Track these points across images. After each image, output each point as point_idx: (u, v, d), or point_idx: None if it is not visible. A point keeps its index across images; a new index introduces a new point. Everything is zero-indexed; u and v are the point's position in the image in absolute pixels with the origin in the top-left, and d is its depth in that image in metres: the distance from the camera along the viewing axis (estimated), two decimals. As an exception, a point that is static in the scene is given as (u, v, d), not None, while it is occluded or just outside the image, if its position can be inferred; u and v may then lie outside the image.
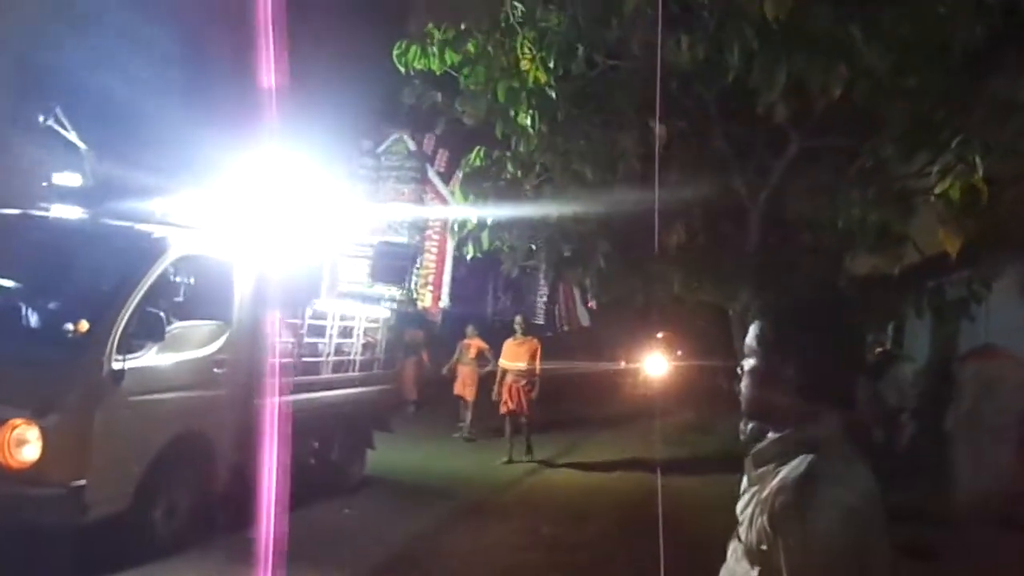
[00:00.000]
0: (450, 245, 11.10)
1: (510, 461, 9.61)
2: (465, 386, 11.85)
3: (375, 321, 7.98)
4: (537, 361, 9.91)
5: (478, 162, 5.01)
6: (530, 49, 4.55)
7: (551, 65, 4.47)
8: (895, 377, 8.46)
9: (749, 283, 5.65)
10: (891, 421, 8.36)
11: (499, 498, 7.97)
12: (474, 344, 11.99)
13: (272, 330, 5.96)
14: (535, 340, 10.16)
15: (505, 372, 10.01)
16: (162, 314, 4.79)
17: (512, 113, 4.83)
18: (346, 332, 7.49)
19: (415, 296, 10.66)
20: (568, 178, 5.45)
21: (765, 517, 1.38)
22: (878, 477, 1.41)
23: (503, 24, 4.65)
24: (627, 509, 7.13)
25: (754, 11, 3.88)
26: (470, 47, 4.77)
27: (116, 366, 4.54)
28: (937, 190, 4.24)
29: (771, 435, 1.51)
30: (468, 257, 5.68)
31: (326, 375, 7.02)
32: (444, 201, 12.00)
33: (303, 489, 5.68)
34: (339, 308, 7.23)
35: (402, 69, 4.82)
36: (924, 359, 9.60)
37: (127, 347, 4.62)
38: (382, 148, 12.67)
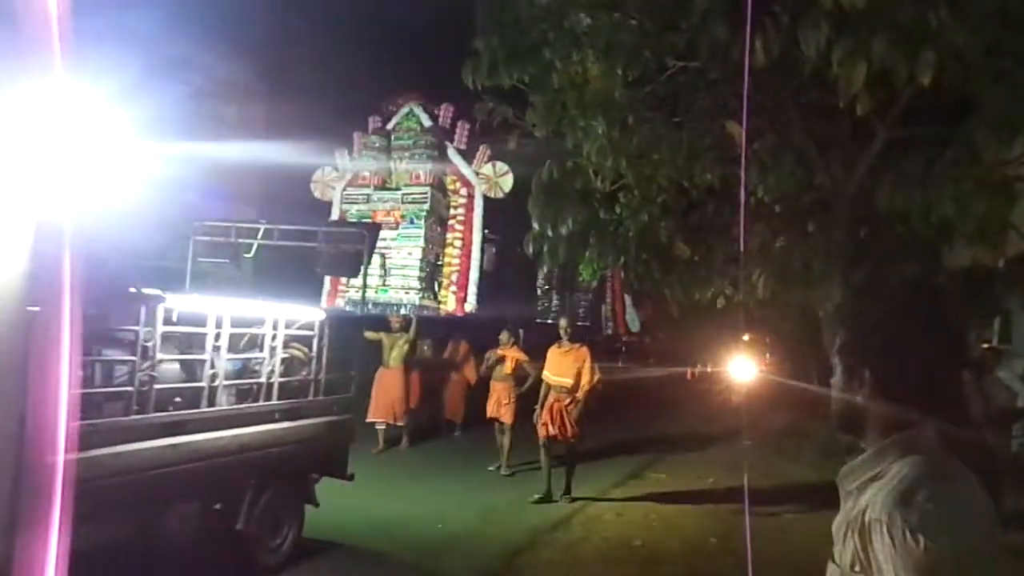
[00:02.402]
0: (476, 237, 10.25)
1: (546, 499, 7.66)
2: (500, 406, 9.47)
3: (308, 327, 5.72)
4: (587, 374, 7.73)
5: (549, 176, 5.01)
6: (597, 58, 4.53)
7: (619, 72, 4.44)
8: (1004, 375, 7.96)
9: (839, 282, 5.44)
10: (1001, 422, 7.87)
11: (528, 558, 5.90)
12: (510, 354, 9.62)
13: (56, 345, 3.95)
14: (584, 348, 7.91)
15: (548, 388, 7.93)
16: None
17: (582, 122, 4.81)
18: (254, 344, 5.43)
19: (436, 298, 9.99)
20: (643, 183, 5.39)
21: (857, 536, 1.29)
22: (988, 483, 1.31)
23: (569, 36, 4.65)
24: (715, 560, 5.96)
25: (829, 1, 3.75)
26: (537, 61, 4.79)
27: None
28: (1041, 175, 3.98)
29: (865, 446, 1.43)
30: (545, 270, 5.67)
31: (207, 408, 4.73)
32: (468, 184, 10.53)
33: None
34: (226, 309, 4.90)
35: (470, 85, 4.88)
36: (1036, 354, 9.00)
37: None
38: (392, 123, 11.02)
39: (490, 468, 9.38)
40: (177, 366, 4.74)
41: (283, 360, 5.40)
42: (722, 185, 5.49)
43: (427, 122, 10.61)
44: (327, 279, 11.18)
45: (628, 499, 8.08)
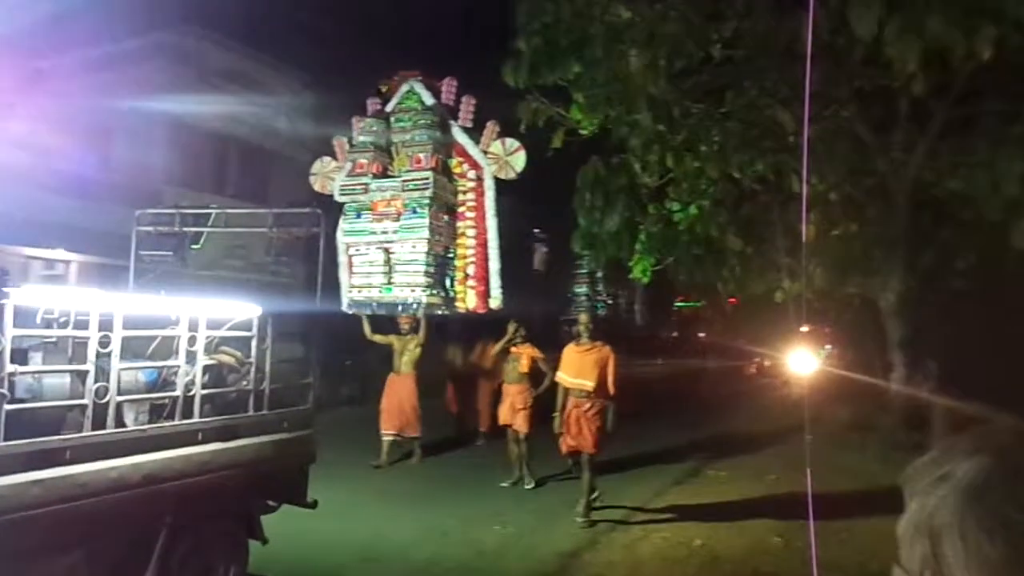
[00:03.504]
0: (492, 223, 8.99)
1: (589, 521, 6.70)
2: (515, 412, 8.54)
3: (243, 327, 4.80)
4: (611, 377, 6.77)
5: (594, 172, 4.96)
6: (639, 52, 4.46)
7: (661, 64, 4.37)
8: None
9: (900, 270, 5.25)
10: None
11: (587, 559, 5.75)
12: (524, 352, 8.78)
13: None
14: (607, 347, 6.91)
15: (566, 393, 6.97)
16: None
17: (627, 117, 4.75)
18: (166, 350, 4.48)
19: (453, 296, 8.93)
20: (691, 176, 5.30)
21: (927, 540, 1.22)
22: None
23: (610, 30, 4.59)
24: (778, 559, 5.65)
25: (880, -21, 3.61)
26: (579, 59, 4.74)
27: None
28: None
29: (932, 443, 1.35)
30: (591, 268, 5.60)
31: (93, 432, 3.76)
32: (476, 166, 9.08)
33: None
34: (118, 306, 3.97)
35: (512, 85, 4.86)
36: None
37: None
38: (391, 105, 9.85)
39: (503, 484, 8.28)
40: (67, 380, 3.84)
41: (207, 368, 4.47)
42: (774, 175, 5.36)
43: (429, 100, 9.54)
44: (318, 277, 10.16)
45: (687, 497, 7.95)
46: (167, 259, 6.87)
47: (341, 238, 9.66)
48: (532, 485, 8.28)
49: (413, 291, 8.91)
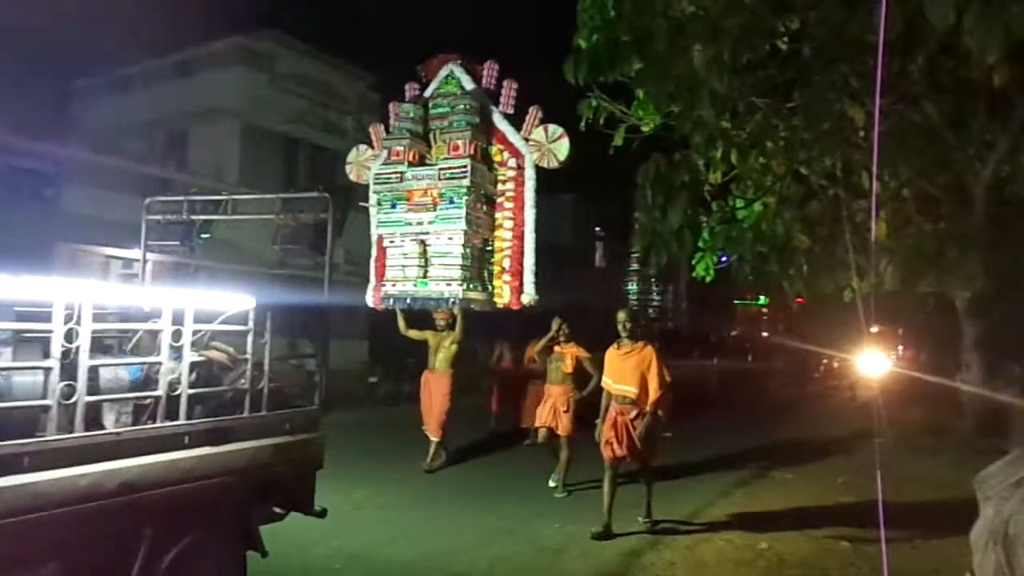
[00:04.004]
0: (530, 215, 8.53)
1: (605, 534, 6.16)
2: (558, 414, 8.07)
3: (237, 320, 4.52)
4: (654, 380, 6.29)
5: (656, 169, 4.91)
6: (703, 46, 4.40)
7: (726, 59, 4.30)
8: None
9: (976, 269, 5.05)
10: None
11: (648, 560, 5.57)
12: (568, 351, 8.23)
13: None
14: (649, 348, 6.40)
15: (609, 397, 6.53)
16: None
17: (691, 113, 4.69)
18: (142, 345, 4.36)
19: (486, 290, 8.52)
20: (756, 173, 5.20)
21: (1001, 549, 1.18)
22: None
23: (673, 25, 4.54)
24: (847, 565, 5.42)
25: (959, -34, 3.48)
26: (641, 55, 4.71)
27: None
28: None
29: (1008, 448, 1.31)
30: (655, 265, 5.54)
31: (56, 436, 3.40)
32: (517, 154, 8.61)
33: None
34: (84, 295, 3.56)
35: (573, 82, 4.85)
36: None
37: None
38: (430, 90, 9.32)
39: (556, 495, 7.82)
40: (40, 378, 3.53)
41: (195, 366, 4.16)
42: (843, 171, 5.22)
43: (468, 85, 9.05)
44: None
45: (752, 499, 7.81)
46: (175, 249, 6.60)
47: (375, 229, 9.24)
48: (564, 494, 7.78)
49: (449, 285, 8.43)
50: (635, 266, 37.57)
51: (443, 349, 9.11)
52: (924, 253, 5.48)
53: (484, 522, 6.64)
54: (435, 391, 9.01)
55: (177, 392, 3.95)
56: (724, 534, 6.40)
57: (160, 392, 3.89)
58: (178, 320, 4.00)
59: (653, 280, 38.23)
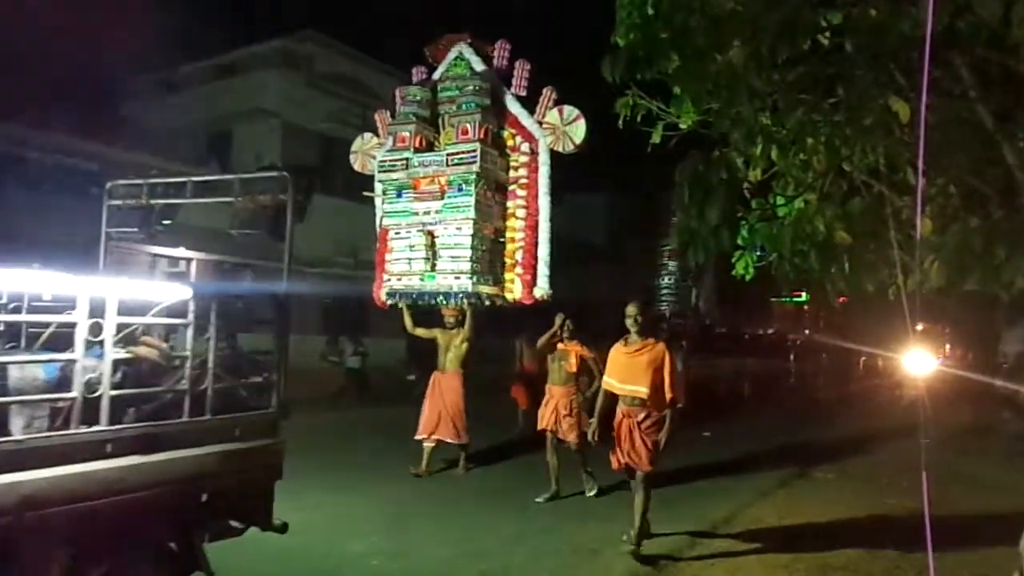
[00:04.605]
0: (544, 203, 7.91)
1: (637, 550, 5.64)
2: (560, 418, 7.49)
3: (176, 312, 4.09)
4: (667, 380, 5.75)
5: (694, 167, 4.86)
6: (742, 42, 4.35)
7: (766, 54, 4.24)
8: None
9: (1029, 267, 4.90)
10: None
11: (683, 563, 5.50)
12: (572, 349, 7.55)
13: None
14: (659, 345, 5.87)
15: (609, 399, 5.99)
16: None
17: (730, 110, 4.64)
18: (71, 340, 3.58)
19: (497, 284, 8.01)
20: (796, 169, 5.11)
21: None
22: None
23: (712, 22, 4.50)
24: (893, 568, 5.39)
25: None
26: (679, 52, 4.67)
27: None
28: None
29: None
30: (693, 264, 5.49)
31: None
32: (530, 138, 7.97)
33: None
34: None
35: (611, 80, 4.82)
36: None
37: None
38: (439, 72, 8.67)
39: (538, 500, 7.29)
40: None
41: (120, 363, 3.69)
42: (886, 167, 5.12)
43: (479, 66, 8.34)
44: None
45: (792, 500, 7.71)
46: (133, 236, 5.97)
47: (379, 220, 8.74)
48: (595, 491, 7.46)
49: (458, 278, 7.81)
50: (667, 262, 37.34)
51: (453, 348, 8.46)
52: (971, 250, 5.34)
53: (517, 523, 6.60)
54: (446, 392, 8.35)
55: (97, 393, 3.44)
56: (764, 535, 6.33)
57: (75, 393, 3.37)
58: (98, 312, 3.49)
59: (685, 277, 37.96)
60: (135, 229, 5.90)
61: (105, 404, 3.51)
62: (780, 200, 5.56)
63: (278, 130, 20.02)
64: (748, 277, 6.52)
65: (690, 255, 5.11)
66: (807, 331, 38.42)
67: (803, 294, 40.69)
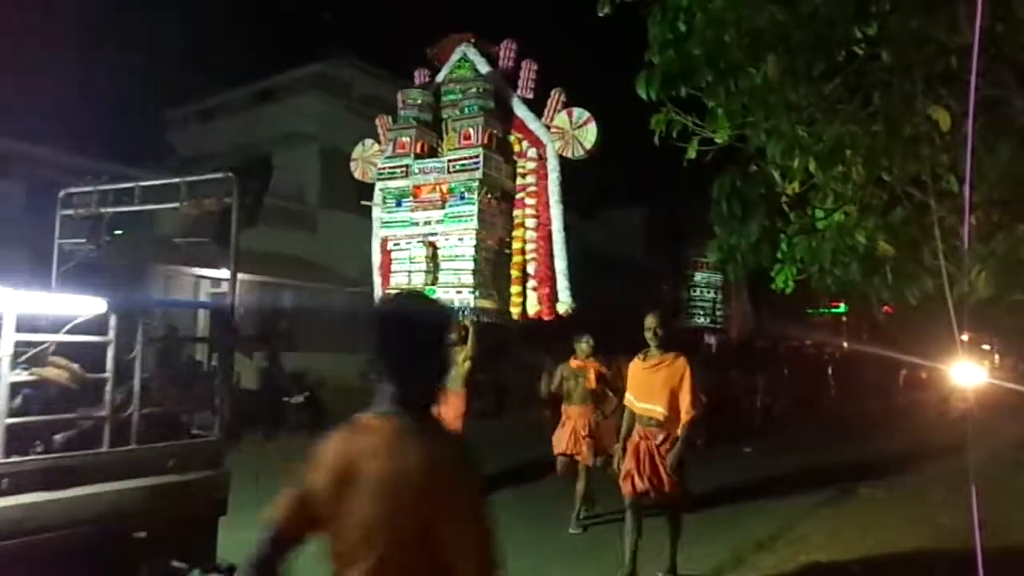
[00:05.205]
0: (556, 212, 7.33)
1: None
2: (577, 440, 7.00)
3: (93, 329, 3.65)
4: (686, 397, 5.27)
5: (731, 182, 4.85)
6: (777, 57, 4.34)
7: (801, 68, 4.23)
8: None
9: (1079, 275, 4.78)
10: None
11: None
12: (591, 367, 7.10)
13: None
14: (682, 359, 5.42)
15: (632, 418, 5.56)
16: None
17: (765, 124, 4.63)
18: None
19: (502, 299, 7.51)
20: (835, 181, 5.06)
21: None
22: None
23: (747, 38, 4.50)
24: None
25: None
26: (713, 68, 4.68)
27: None
28: None
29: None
30: (732, 279, 5.42)
31: None
32: (538, 143, 7.48)
33: None
34: None
35: (645, 97, 4.84)
36: None
37: None
38: (442, 75, 8.20)
39: (572, 531, 6.86)
40: None
41: (21, 387, 3.30)
42: (929, 176, 5.05)
43: (484, 68, 7.90)
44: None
45: (839, 517, 7.55)
46: (82, 247, 5.54)
47: (377, 230, 8.31)
48: (579, 531, 6.88)
49: (460, 292, 7.38)
50: (697, 274, 37.01)
51: (455, 366, 7.67)
52: (1019, 259, 5.23)
53: (540, 554, 6.07)
54: (447, 414, 7.63)
55: None
56: (811, 555, 6.21)
57: None
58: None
59: (716, 289, 37.53)
60: (83, 240, 5.44)
61: (0, 433, 3.06)
62: (819, 213, 5.51)
63: (316, 154, 20.38)
64: (788, 290, 6.46)
65: (729, 270, 5.09)
66: (846, 343, 37.61)
67: (841, 305, 39.91)
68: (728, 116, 5.05)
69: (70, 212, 5.55)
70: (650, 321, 5.48)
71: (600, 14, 4.55)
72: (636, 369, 5.58)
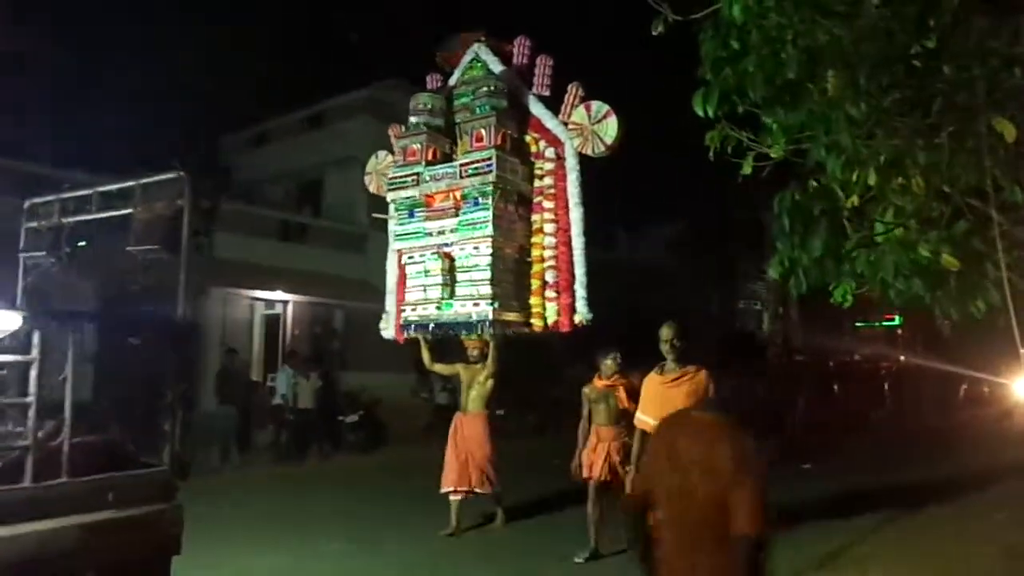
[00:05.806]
0: (576, 215, 6.92)
1: None
2: (614, 464, 6.50)
3: (11, 348, 3.32)
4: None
5: (792, 198, 4.85)
6: (837, 72, 4.36)
7: (862, 83, 4.24)
8: None
9: None
10: None
11: None
12: (618, 384, 6.61)
13: None
14: (701, 372, 5.04)
15: (643, 440, 5.09)
16: None
17: (825, 138, 4.64)
18: None
19: (522, 309, 7.11)
20: (895, 194, 5.03)
21: None
22: None
23: (806, 54, 4.53)
24: None
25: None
26: (770, 84, 4.71)
27: None
28: None
29: None
30: (795, 294, 5.39)
31: None
32: (556, 142, 7.08)
33: None
34: None
35: (703, 114, 4.89)
36: None
37: None
38: (454, 78, 7.85)
39: (578, 559, 6.45)
40: None
41: None
42: (992, 187, 5.00)
43: (497, 68, 7.49)
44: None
45: (903, 536, 7.40)
46: (43, 261, 5.14)
47: (392, 244, 7.95)
48: (584, 558, 6.43)
49: (477, 305, 6.90)
50: (757, 283, 36.42)
51: (477, 385, 7.40)
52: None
53: None
54: (471, 437, 7.31)
55: None
56: (877, 574, 6.10)
57: None
58: None
59: (760, 303, 36.88)
60: (43, 253, 5.05)
61: None
62: (879, 227, 5.48)
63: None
64: (847, 304, 6.40)
65: (791, 285, 5.08)
66: (902, 357, 36.62)
67: (896, 317, 38.89)
68: (784, 131, 5.07)
69: (34, 224, 5.10)
70: (666, 332, 5.14)
71: (654, 33, 4.61)
72: (652, 384, 5.20)
